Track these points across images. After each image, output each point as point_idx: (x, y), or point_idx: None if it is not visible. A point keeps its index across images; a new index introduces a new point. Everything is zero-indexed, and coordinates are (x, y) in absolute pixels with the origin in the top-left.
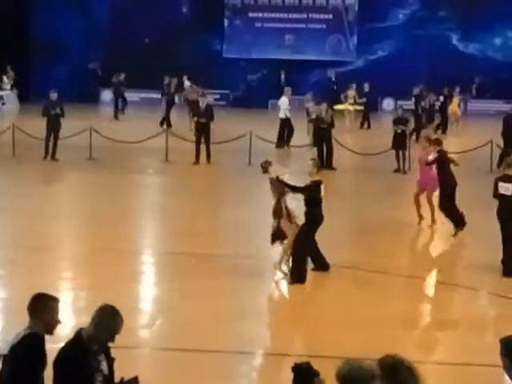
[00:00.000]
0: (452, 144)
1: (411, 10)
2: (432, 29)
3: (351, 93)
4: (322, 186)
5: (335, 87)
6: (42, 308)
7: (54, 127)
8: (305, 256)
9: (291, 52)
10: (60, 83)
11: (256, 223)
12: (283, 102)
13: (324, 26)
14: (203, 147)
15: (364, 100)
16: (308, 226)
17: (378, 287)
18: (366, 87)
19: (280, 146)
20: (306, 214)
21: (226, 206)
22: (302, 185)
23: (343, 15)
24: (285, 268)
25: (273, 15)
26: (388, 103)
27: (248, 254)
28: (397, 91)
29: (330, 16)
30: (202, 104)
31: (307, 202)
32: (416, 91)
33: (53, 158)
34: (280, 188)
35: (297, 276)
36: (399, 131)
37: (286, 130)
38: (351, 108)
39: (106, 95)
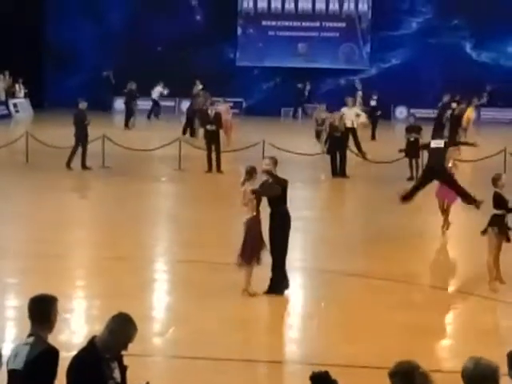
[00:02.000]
0: (464, 152)
1: (424, 19)
2: (445, 37)
3: (359, 100)
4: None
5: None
6: (52, 310)
7: (85, 136)
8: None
9: (304, 60)
10: (73, 91)
11: (265, 231)
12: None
13: (337, 35)
14: (214, 155)
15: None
16: (280, 227)
17: (392, 296)
18: (374, 97)
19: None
20: (275, 213)
21: (238, 215)
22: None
23: (356, 23)
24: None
25: (286, 23)
26: (401, 111)
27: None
28: (410, 99)
29: (343, 24)
30: (211, 112)
31: (273, 200)
32: (445, 99)
33: (84, 166)
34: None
35: (282, 285)
36: (412, 139)
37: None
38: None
39: (120, 103)
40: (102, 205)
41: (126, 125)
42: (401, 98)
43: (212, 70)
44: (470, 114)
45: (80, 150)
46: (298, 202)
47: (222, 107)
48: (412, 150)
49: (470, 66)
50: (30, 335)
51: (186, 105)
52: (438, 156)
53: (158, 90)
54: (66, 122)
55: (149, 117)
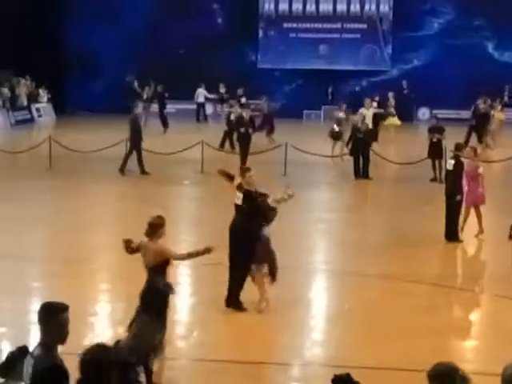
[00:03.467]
0: (489, 153)
1: (446, 19)
2: (467, 37)
3: (390, 102)
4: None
5: (407, 92)
6: (63, 319)
7: (140, 140)
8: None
9: (326, 62)
10: (95, 96)
11: (293, 233)
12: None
13: (358, 36)
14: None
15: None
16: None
17: (416, 297)
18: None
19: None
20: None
21: None
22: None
23: (378, 25)
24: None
25: (307, 25)
26: (423, 113)
27: (285, 265)
28: (432, 100)
29: (365, 26)
30: (246, 115)
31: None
32: (481, 101)
33: (143, 172)
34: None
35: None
36: (435, 140)
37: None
38: (399, 122)
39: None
40: (126, 208)
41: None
42: (423, 99)
43: (233, 73)
44: (500, 115)
45: (127, 153)
46: (321, 204)
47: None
48: (435, 150)
49: (492, 66)
50: (38, 344)
51: (208, 108)
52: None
53: (201, 93)
54: (89, 126)
55: (198, 119)
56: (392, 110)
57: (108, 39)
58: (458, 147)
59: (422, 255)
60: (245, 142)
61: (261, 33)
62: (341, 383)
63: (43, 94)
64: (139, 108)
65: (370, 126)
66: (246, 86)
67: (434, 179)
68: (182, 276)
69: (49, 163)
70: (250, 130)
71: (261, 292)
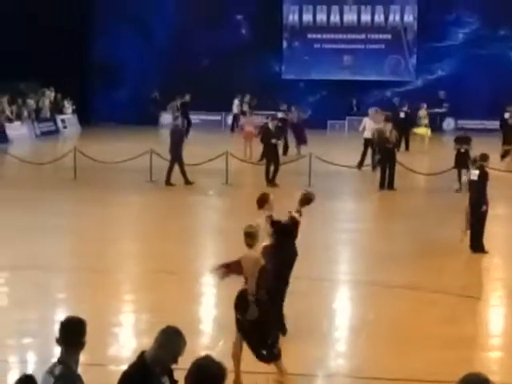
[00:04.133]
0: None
1: (471, 29)
2: (492, 47)
3: (423, 113)
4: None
5: (444, 105)
6: (84, 333)
7: (181, 151)
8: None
9: (350, 73)
10: (120, 107)
11: (318, 244)
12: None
13: (383, 47)
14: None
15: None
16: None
17: (441, 308)
18: (404, 108)
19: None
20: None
21: None
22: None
23: (402, 35)
24: None
25: (331, 36)
26: (448, 123)
27: (310, 276)
28: (457, 111)
29: (389, 36)
30: (272, 126)
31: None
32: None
33: (187, 182)
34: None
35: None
36: (462, 150)
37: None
38: (429, 133)
39: (166, 118)
40: (150, 218)
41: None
42: (448, 109)
43: (258, 84)
44: None
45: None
46: (345, 215)
47: (247, 119)
48: (462, 160)
49: None
50: (58, 362)
51: (230, 119)
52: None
53: (236, 104)
54: (114, 137)
55: (232, 130)
56: (424, 120)
57: (132, 50)
58: (483, 157)
59: (447, 266)
60: (274, 153)
61: (285, 43)
62: None
63: (68, 106)
64: (179, 120)
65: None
66: (271, 97)
67: (459, 190)
68: (205, 286)
69: (74, 174)
70: (274, 141)
71: None
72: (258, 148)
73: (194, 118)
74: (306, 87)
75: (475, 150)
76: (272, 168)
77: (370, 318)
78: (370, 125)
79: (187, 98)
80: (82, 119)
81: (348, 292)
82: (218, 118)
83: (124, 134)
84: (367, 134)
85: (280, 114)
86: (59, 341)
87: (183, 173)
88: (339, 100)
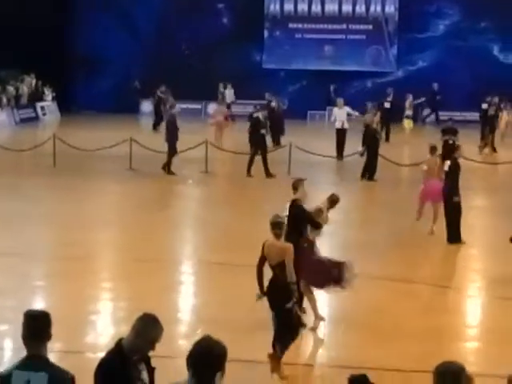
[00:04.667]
0: (495, 155)
1: (452, 21)
2: (472, 39)
3: (408, 104)
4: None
5: (438, 97)
6: (50, 326)
7: (175, 140)
8: None
9: (331, 63)
10: (101, 95)
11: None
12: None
13: (364, 37)
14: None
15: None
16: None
17: (420, 299)
18: (388, 98)
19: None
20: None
21: (264, 217)
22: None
23: (383, 26)
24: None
25: (312, 26)
26: (428, 114)
27: None
28: (437, 102)
29: (370, 27)
30: (262, 117)
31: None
32: (493, 100)
33: (169, 172)
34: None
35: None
36: (451, 141)
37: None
38: (411, 124)
39: (146, 106)
40: (129, 207)
41: (155, 127)
42: (428, 100)
43: (239, 73)
44: (507, 117)
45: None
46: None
47: (217, 108)
48: (449, 152)
49: (496, 69)
50: (32, 357)
51: (212, 107)
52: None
53: (230, 94)
54: (94, 125)
55: (226, 119)
56: (408, 111)
57: (113, 38)
58: (455, 149)
59: (424, 257)
60: (263, 143)
61: (266, 33)
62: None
63: (48, 93)
64: (176, 109)
65: (346, 125)
66: (251, 86)
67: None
68: (184, 275)
69: (53, 161)
70: (263, 131)
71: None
72: (228, 136)
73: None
74: (286, 77)
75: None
76: (254, 158)
77: (349, 308)
78: (339, 115)
79: (163, 88)
80: (62, 106)
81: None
82: (199, 106)
83: (104, 121)
84: (338, 125)
85: (273, 103)
86: (30, 335)
87: (168, 161)
88: (320, 90)
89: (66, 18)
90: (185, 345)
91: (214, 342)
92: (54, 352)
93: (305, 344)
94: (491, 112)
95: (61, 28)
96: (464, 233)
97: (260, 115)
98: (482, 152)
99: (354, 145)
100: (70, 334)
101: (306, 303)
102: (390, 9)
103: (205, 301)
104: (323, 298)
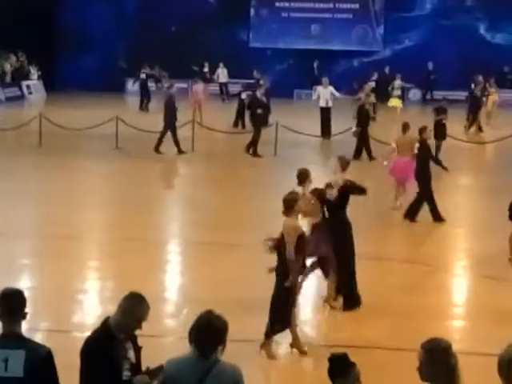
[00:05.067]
0: (482, 135)
1: (438, 0)
2: (459, 18)
3: (397, 84)
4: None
5: (432, 76)
6: (25, 304)
7: (173, 120)
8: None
9: (317, 42)
10: (86, 73)
11: (280, 213)
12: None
13: (350, 16)
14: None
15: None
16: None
17: (404, 277)
18: (373, 78)
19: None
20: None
21: (251, 196)
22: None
23: (370, 5)
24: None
25: (299, 5)
26: (414, 93)
27: None
28: (424, 81)
29: (357, 6)
30: (260, 95)
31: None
32: (477, 80)
33: (180, 151)
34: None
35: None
36: (444, 121)
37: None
38: (401, 104)
39: (132, 85)
40: (116, 186)
41: (141, 107)
42: (414, 79)
43: (225, 51)
44: (494, 96)
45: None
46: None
47: (198, 87)
48: (441, 132)
49: (483, 48)
50: (8, 335)
51: (199, 86)
52: None
53: (223, 73)
54: (80, 104)
55: (223, 99)
56: (397, 91)
57: (100, 16)
58: (422, 130)
59: (410, 236)
60: (262, 123)
61: (252, 11)
62: (338, 362)
63: (33, 71)
64: (173, 88)
65: (330, 104)
66: (238, 65)
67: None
68: (171, 254)
69: (39, 140)
70: (260, 110)
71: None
72: (207, 112)
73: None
74: (273, 56)
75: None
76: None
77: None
78: (323, 94)
79: (147, 69)
80: (48, 85)
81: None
82: (185, 85)
83: (90, 100)
84: (322, 103)
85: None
86: (6, 313)
87: (176, 142)
88: (306, 69)
89: None
90: (171, 324)
91: (215, 317)
92: (41, 331)
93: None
94: (477, 92)
95: (47, 6)
96: (450, 212)
97: (258, 93)
98: (468, 132)
99: (341, 124)
100: (57, 313)
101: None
102: None
103: (192, 280)
104: (309, 278)
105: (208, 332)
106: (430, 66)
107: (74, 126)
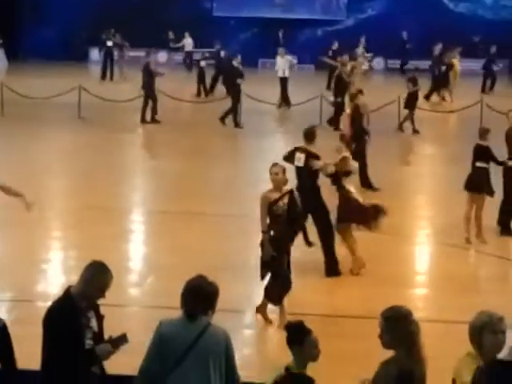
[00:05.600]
0: (444, 104)
1: None
2: None
3: (360, 50)
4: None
5: (407, 46)
6: None
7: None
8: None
9: (282, 11)
10: (48, 42)
11: (244, 182)
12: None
13: None
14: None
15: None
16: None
17: (368, 246)
18: (335, 46)
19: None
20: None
21: (215, 166)
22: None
23: None
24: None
25: None
26: (378, 62)
27: (236, 213)
28: (387, 50)
29: None
30: (237, 64)
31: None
32: (437, 50)
33: (153, 120)
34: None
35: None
36: (419, 92)
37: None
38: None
39: (95, 54)
40: (78, 155)
41: (103, 76)
42: (378, 48)
43: (188, 20)
44: (457, 65)
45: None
46: (273, 154)
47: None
48: (414, 101)
49: (446, 17)
50: None
51: (162, 56)
52: None
53: (188, 42)
54: (42, 72)
55: (189, 69)
56: (362, 58)
57: None
58: (353, 96)
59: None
60: (239, 93)
61: None
62: (294, 329)
63: None
64: (151, 55)
65: (287, 74)
66: (201, 34)
67: (416, 131)
68: (134, 224)
69: (1, 109)
70: (240, 80)
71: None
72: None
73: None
74: (237, 25)
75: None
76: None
77: (298, 255)
78: (280, 64)
79: (109, 37)
80: (10, 54)
81: None
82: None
83: (52, 69)
84: (280, 73)
85: (222, 52)
86: None
87: (154, 109)
88: (270, 38)
89: None
90: (135, 293)
91: (206, 282)
92: (5, 301)
93: (256, 291)
94: (440, 60)
95: None
96: (411, 181)
97: (235, 62)
98: (430, 100)
99: (298, 94)
100: (20, 283)
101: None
102: None
103: (155, 249)
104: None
105: (199, 296)
106: (405, 35)
107: (37, 95)
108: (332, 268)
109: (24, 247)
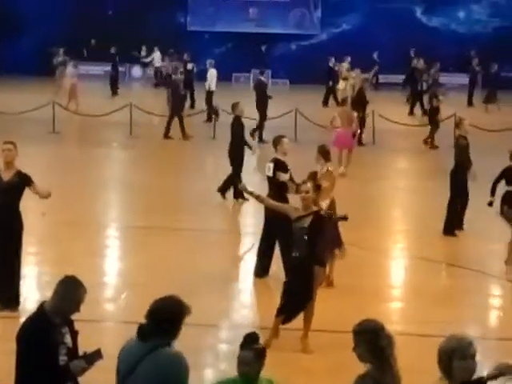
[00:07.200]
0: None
1: None
2: (396, 2)
3: (346, 65)
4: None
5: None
6: None
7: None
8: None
9: (255, 25)
10: (23, 57)
11: (218, 197)
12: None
13: None
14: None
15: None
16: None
17: (344, 260)
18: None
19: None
20: None
21: (189, 180)
22: None
23: None
24: None
25: None
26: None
27: (213, 228)
28: (361, 64)
29: None
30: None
31: None
32: (414, 63)
33: (184, 136)
34: None
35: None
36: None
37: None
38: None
39: (69, 69)
40: (53, 171)
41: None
42: (352, 63)
43: (163, 35)
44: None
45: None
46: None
47: (69, 71)
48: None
49: (420, 31)
50: None
51: (136, 71)
52: None
53: (157, 57)
54: (15, 87)
55: (157, 84)
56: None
57: None
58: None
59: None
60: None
61: None
62: (249, 341)
63: None
64: (179, 74)
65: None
66: (175, 49)
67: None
68: (109, 239)
69: None
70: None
71: None
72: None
73: (98, 69)
74: (211, 39)
75: (381, 104)
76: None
77: (273, 268)
78: (211, 75)
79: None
80: None
81: (245, 245)
82: (122, 69)
83: (26, 84)
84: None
85: (190, 66)
86: None
87: (181, 126)
88: (245, 52)
89: None
90: (110, 308)
91: (169, 303)
92: None
93: (224, 306)
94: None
95: None
96: (386, 195)
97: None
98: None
99: (272, 108)
100: None
101: None
102: None
103: (130, 264)
104: (247, 259)
105: (157, 317)
106: (375, 55)
107: (10, 110)
108: None
109: None
